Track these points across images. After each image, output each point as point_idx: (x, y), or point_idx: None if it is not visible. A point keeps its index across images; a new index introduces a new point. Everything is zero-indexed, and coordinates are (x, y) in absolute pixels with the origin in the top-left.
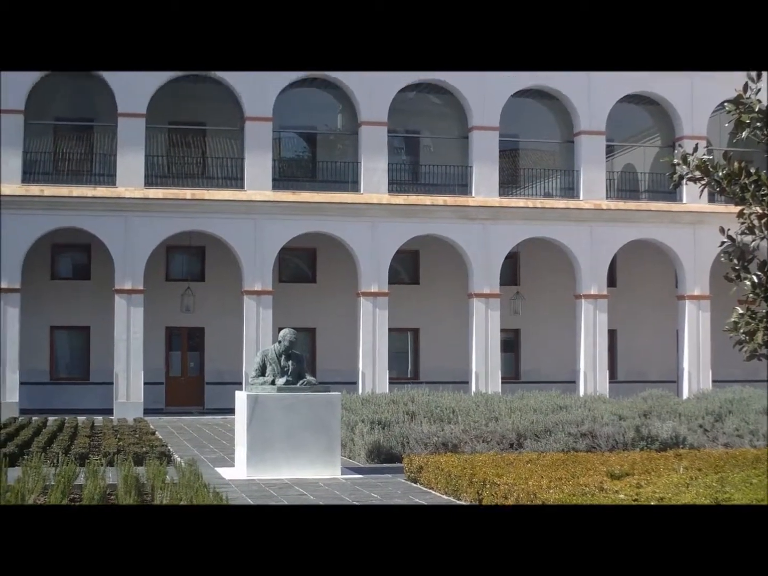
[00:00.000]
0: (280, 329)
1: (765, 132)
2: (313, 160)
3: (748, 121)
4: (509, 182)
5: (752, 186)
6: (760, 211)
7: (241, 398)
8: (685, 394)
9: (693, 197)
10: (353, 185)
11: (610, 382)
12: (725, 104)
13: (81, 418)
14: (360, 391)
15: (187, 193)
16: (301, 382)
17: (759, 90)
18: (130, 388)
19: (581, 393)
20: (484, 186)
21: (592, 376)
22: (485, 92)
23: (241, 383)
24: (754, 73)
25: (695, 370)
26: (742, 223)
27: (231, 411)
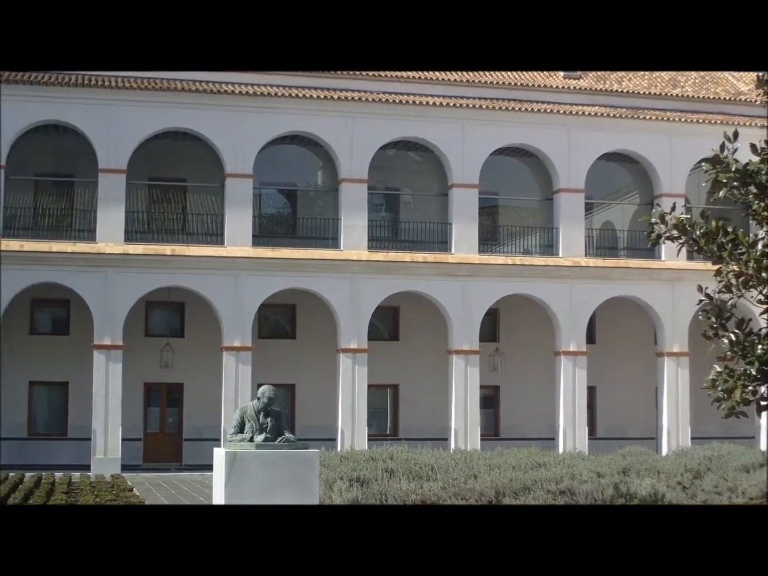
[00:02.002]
0: (259, 385)
1: (742, 191)
2: (294, 216)
3: (725, 181)
4: (489, 239)
5: (729, 245)
6: (738, 270)
7: (219, 455)
8: (664, 451)
9: (671, 255)
10: (333, 242)
11: (589, 439)
12: (703, 163)
13: (58, 474)
14: (339, 447)
15: (167, 248)
16: (279, 439)
17: (736, 149)
18: (107, 444)
19: (560, 450)
20: (464, 243)
21: (571, 432)
22: (465, 150)
23: (219, 440)
24: (730, 133)
25: (674, 427)
26: (720, 282)
27: (209, 467)
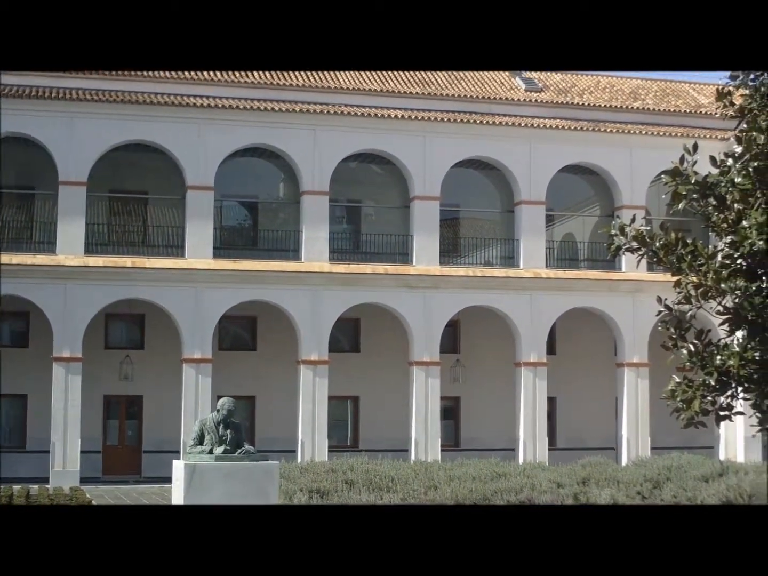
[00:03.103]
0: (219, 397)
1: (701, 203)
2: (255, 228)
3: (684, 193)
4: (450, 251)
5: (689, 256)
6: (697, 281)
7: (178, 467)
8: (624, 461)
9: (632, 266)
10: (294, 254)
11: (549, 450)
12: (663, 175)
13: (16, 487)
14: (299, 459)
15: (128, 261)
16: (239, 450)
17: (696, 162)
18: (66, 456)
19: (521, 460)
20: (425, 255)
21: (531, 443)
22: (426, 162)
23: (179, 452)
24: (690, 145)
25: (634, 437)
26: (679, 293)
27: (168, 480)
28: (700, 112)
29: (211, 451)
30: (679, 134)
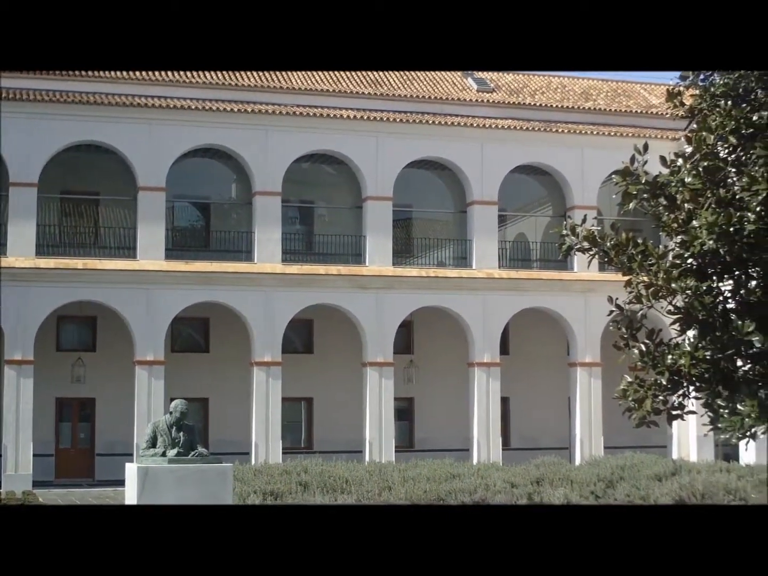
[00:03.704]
0: (172, 400)
1: (652, 203)
2: (207, 229)
3: (635, 193)
4: (403, 252)
5: (639, 256)
6: (647, 281)
7: (131, 470)
8: (578, 461)
9: (584, 266)
10: (247, 255)
11: (503, 450)
12: (614, 175)
13: None
14: (253, 461)
15: (79, 262)
16: (192, 453)
17: (646, 162)
18: (18, 460)
19: (475, 461)
20: (378, 255)
21: (485, 443)
22: (379, 163)
23: (132, 455)
24: (640, 145)
25: (587, 437)
26: (630, 293)
27: (122, 483)
28: (651, 112)
29: (164, 454)
30: (630, 134)
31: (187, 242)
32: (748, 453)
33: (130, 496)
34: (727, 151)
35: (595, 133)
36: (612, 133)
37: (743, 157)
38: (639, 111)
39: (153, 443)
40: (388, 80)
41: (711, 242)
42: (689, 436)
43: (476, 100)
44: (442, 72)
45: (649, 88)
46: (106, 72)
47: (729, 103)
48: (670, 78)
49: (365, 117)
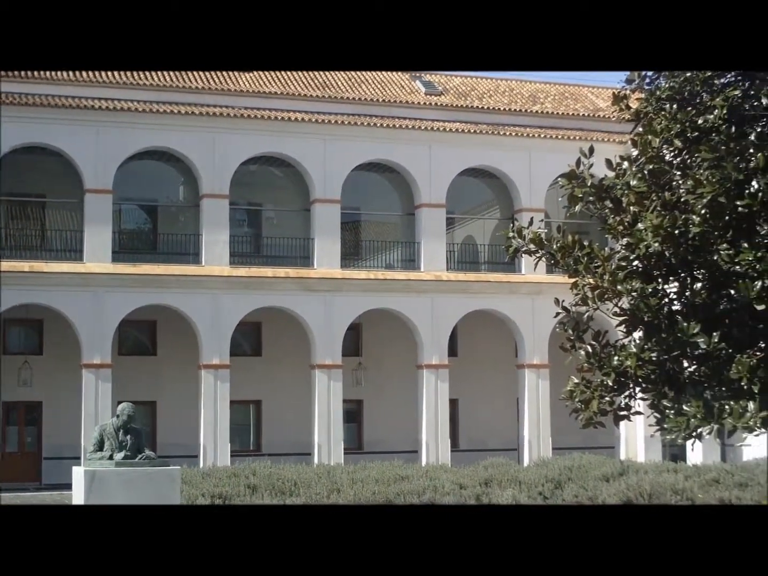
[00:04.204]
0: (119, 403)
1: (598, 206)
2: (154, 232)
3: (581, 195)
4: (351, 254)
5: (585, 258)
6: (593, 283)
7: (78, 474)
8: (526, 462)
9: (531, 269)
10: (194, 257)
11: (452, 451)
12: (560, 179)
13: None
14: (201, 464)
15: (25, 265)
16: (139, 456)
17: (592, 165)
18: None
19: (423, 462)
20: (326, 258)
21: (434, 445)
22: (327, 165)
23: (80, 458)
24: (586, 149)
25: (535, 438)
26: (576, 295)
27: (69, 486)
28: (598, 115)
29: (111, 457)
30: (577, 137)
31: (134, 245)
32: (694, 453)
33: (77, 499)
34: (672, 154)
35: (542, 136)
36: (559, 136)
37: (688, 160)
38: (586, 114)
39: (100, 447)
40: (336, 83)
41: (656, 244)
42: (637, 437)
43: (424, 103)
44: (390, 74)
45: (597, 91)
46: (52, 73)
47: (674, 106)
48: (617, 81)
49: (313, 119)
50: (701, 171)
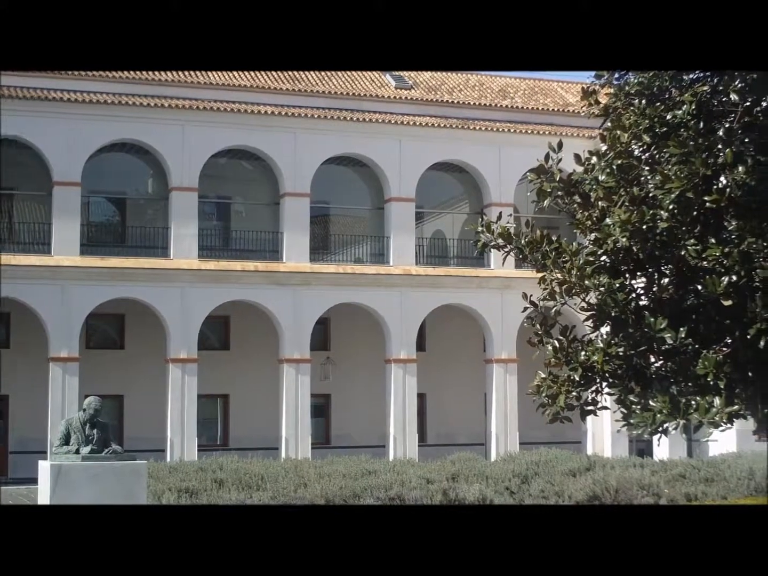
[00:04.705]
0: (86, 396)
1: (566, 201)
2: (123, 225)
3: (549, 190)
4: (320, 248)
5: (553, 253)
6: (561, 278)
7: (44, 468)
8: (493, 457)
9: (500, 263)
10: (163, 251)
11: (419, 446)
12: (528, 173)
13: None
14: (168, 458)
15: None
16: (106, 450)
17: (560, 159)
18: None
19: (391, 457)
20: (295, 252)
21: (401, 439)
22: (297, 159)
23: (46, 452)
24: (555, 143)
25: (503, 433)
26: (544, 290)
27: (35, 481)
28: (568, 110)
29: (77, 451)
30: (547, 132)
31: (103, 238)
32: (661, 449)
33: (44, 493)
34: (640, 149)
35: (512, 130)
36: (529, 131)
37: (657, 156)
38: (556, 109)
39: (66, 441)
40: (306, 77)
41: (624, 240)
42: (604, 432)
43: (394, 97)
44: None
45: (566, 86)
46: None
47: (643, 101)
48: (586, 76)
49: (283, 113)
50: (669, 166)
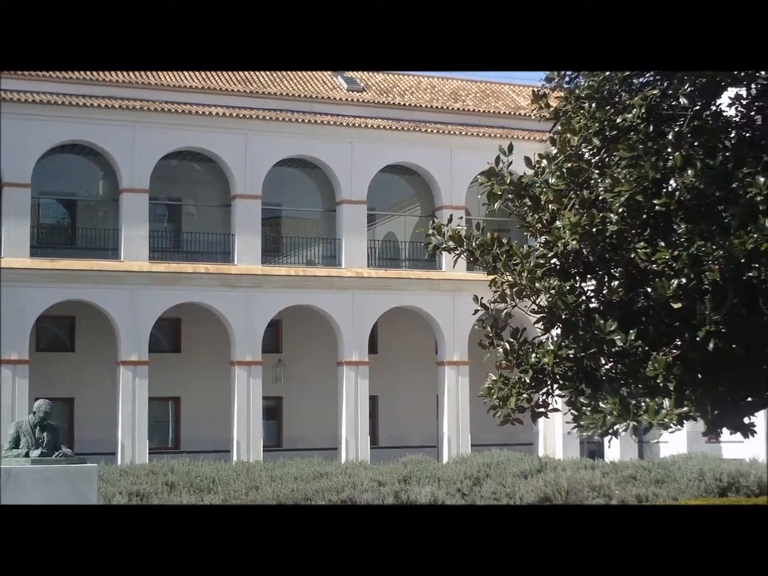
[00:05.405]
0: (36, 399)
1: (517, 203)
2: (73, 227)
3: (500, 193)
4: (272, 250)
5: (504, 256)
6: (512, 280)
7: None
8: (445, 459)
9: (452, 266)
10: (113, 252)
11: (371, 448)
12: (479, 176)
13: None
14: (119, 461)
15: None
16: (56, 453)
17: (511, 162)
18: None
19: (343, 459)
20: (247, 254)
21: (353, 442)
22: (248, 161)
23: None
24: (505, 146)
25: (455, 435)
26: (495, 292)
27: None
28: (519, 113)
29: (27, 455)
30: (498, 135)
31: (53, 240)
32: (612, 450)
33: None
34: (590, 152)
35: (463, 133)
36: (480, 134)
37: (606, 159)
38: (507, 112)
39: (16, 444)
40: (258, 78)
41: (574, 242)
42: (555, 434)
43: (346, 99)
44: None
45: (518, 89)
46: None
47: (593, 105)
48: (538, 79)
49: (234, 114)
50: (619, 169)
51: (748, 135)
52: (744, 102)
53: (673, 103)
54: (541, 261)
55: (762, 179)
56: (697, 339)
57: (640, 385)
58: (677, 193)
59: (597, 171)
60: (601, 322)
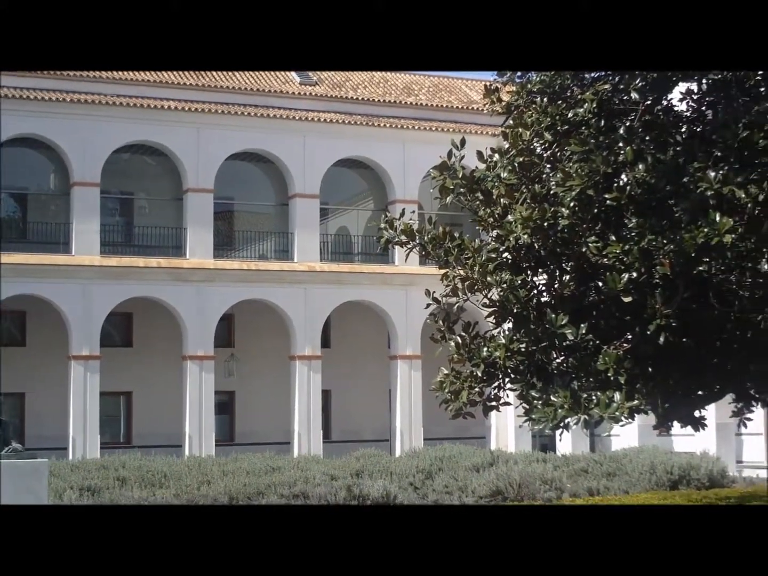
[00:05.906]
0: None
1: (469, 198)
2: (24, 221)
3: (452, 187)
4: (224, 244)
5: (456, 250)
6: (464, 274)
7: None
8: (398, 453)
9: (404, 260)
10: (65, 246)
11: (324, 442)
12: (431, 170)
13: None
14: (70, 456)
15: None
16: (6, 449)
17: (463, 156)
18: None
19: (295, 454)
20: (199, 248)
21: (306, 436)
22: (200, 154)
23: None
24: (458, 141)
25: (407, 429)
26: (447, 286)
27: None
28: (472, 108)
29: None
30: (451, 129)
31: (4, 233)
32: (564, 444)
33: None
34: (542, 147)
35: (416, 127)
36: (433, 128)
37: (558, 153)
38: (460, 106)
39: None
40: (211, 72)
41: (525, 237)
42: (507, 428)
43: (299, 93)
44: None
45: (471, 83)
46: None
47: (545, 99)
48: (490, 74)
49: (187, 108)
50: (570, 164)
51: (699, 130)
52: (695, 97)
53: (625, 97)
54: (493, 255)
55: (713, 174)
56: (648, 333)
57: (591, 379)
58: (628, 187)
59: (549, 165)
60: (553, 316)
